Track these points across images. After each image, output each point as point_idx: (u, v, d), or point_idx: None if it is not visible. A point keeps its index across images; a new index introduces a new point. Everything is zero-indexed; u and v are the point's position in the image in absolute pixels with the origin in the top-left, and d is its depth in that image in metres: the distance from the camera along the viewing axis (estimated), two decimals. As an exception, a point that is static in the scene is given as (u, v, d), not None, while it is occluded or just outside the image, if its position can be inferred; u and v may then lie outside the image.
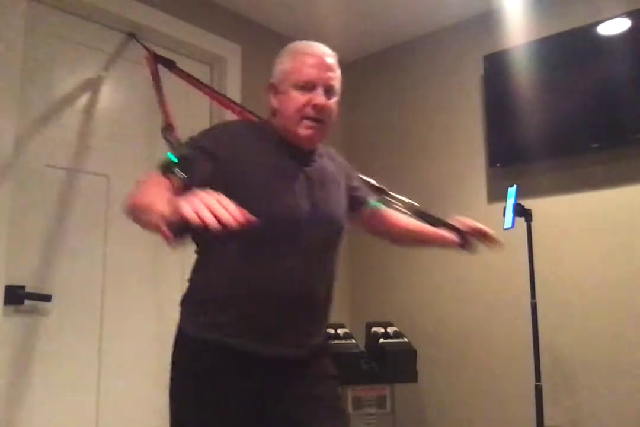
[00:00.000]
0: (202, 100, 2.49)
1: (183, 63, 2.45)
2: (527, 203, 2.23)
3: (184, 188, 1.22)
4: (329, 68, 1.38)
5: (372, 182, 1.83)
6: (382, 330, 2.54)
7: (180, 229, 1.00)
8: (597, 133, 2.35)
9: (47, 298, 1.98)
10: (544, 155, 2.48)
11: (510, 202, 2.19)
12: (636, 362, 2.20)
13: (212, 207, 0.97)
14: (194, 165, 1.28)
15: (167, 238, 1.00)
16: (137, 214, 1.17)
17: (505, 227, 2.17)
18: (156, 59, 2.25)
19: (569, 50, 2.45)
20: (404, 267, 2.90)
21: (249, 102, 2.68)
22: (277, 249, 1.31)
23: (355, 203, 1.56)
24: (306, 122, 1.35)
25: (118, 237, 2.23)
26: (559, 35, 2.47)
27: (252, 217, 1.01)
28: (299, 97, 1.35)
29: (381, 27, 2.96)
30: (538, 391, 2.11)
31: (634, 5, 2.29)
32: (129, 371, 2.21)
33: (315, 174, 1.41)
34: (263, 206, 1.26)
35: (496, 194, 2.64)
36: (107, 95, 2.34)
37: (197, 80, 2.25)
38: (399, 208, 1.80)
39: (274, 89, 1.41)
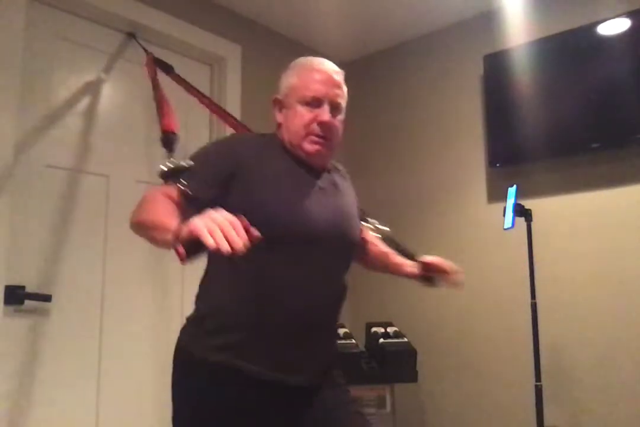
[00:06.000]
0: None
1: (183, 63, 2.46)
2: (527, 203, 2.24)
3: (188, 199, 1.22)
4: (336, 85, 1.36)
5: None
6: (382, 330, 2.54)
7: (193, 246, 0.99)
8: (597, 133, 2.35)
9: (47, 298, 1.98)
10: (544, 155, 2.48)
11: (510, 202, 2.19)
12: (637, 362, 2.20)
13: (225, 229, 0.95)
14: (201, 180, 1.26)
15: (180, 256, 0.99)
16: (146, 230, 1.17)
17: (505, 227, 2.18)
18: (155, 63, 2.23)
19: (569, 50, 2.45)
20: (404, 267, 2.89)
21: (248, 102, 2.69)
22: (293, 267, 1.27)
23: None
24: (312, 138, 1.33)
25: (118, 237, 2.23)
26: (559, 35, 2.47)
27: (257, 234, 0.99)
28: (305, 114, 1.33)
29: (381, 27, 2.96)
30: (538, 391, 2.11)
31: (634, 5, 2.29)
32: (129, 370, 2.21)
33: (329, 188, 1.39)
34: (280, 220, 1.24)
35: (496, 194, 2.64)
36: (107, 95, 2.34)
37: (194, 88, 2.23)
38: (372, 232, 1.79)
39: (279, 104, 1.40)
